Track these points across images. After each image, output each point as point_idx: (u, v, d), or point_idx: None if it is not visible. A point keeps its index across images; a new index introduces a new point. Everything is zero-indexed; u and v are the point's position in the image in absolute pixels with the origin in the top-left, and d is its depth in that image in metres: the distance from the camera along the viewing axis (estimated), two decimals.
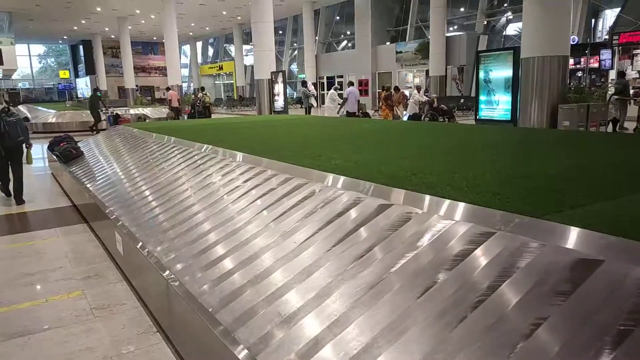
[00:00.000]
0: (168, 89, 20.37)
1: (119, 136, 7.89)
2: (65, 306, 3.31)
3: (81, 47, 44.88)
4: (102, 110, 16.60)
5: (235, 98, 35.98)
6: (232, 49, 41.32)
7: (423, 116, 14.68)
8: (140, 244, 3.34)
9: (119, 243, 3.82)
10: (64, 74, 48.83)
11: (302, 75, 32.44)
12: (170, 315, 2.74)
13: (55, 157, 7.88)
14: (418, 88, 15.50)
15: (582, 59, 17.90)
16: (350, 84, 15.55)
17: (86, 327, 3.00)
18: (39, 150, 12.74)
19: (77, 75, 48.50)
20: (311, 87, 17.89)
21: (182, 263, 2.82)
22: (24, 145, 6.58)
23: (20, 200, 6.48)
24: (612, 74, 16.59)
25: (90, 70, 42.48)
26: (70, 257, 4.34)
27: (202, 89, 20.93)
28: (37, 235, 5.09)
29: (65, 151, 7.53)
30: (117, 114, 17.03)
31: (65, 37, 42.39)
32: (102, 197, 4.90)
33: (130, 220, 3.89)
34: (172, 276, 2.70)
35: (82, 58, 45.39)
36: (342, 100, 14.45)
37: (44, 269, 4.05)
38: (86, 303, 3.35)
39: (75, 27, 35.93)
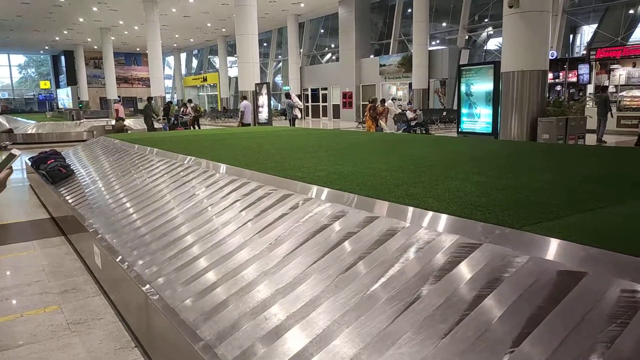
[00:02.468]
0: (115, 102, 21.23)
1: (100, 147, 7.78)
2: (41, 321, 3.23)
3: (63, 58, 44.51)
4: (155, 119, 17.04)
5: (219, 109, 35.91)
6: (216, 60, 41.36)
7: None
8: (119, 257, 3.28)
9: (97, 256, 3.74)
10: (45, 84, 48.26)
11: (287, 88, 32.55)
12: (150, 330, 2.69)
13: (40, 176, 6.72)
14: None
15: (560, 74, 18.32)
16: (244, 98, 16.65)
17: (62, 342, 2.92)
18: (17, 162, 12.51)
19: (58, 86, 47.98)
20: (295, 99, 18.04)
21: (162, 275, 2.78)
22: None
23: None
24: (590, 88, 17.00)
25: (72, 81, 42.11)
26: (47, 270, 4.24)
27: (190, 101, 20.87)
28: (13, 248, 4.97)
29: (54, 170, 6.43)
30: (173, 123, 17.84)
31: (46, 48, 42.01)
32: (81, 209, 4.82)
33: (109, 233, 3.82)
34: (152, 290, 2.65)
35: (64, 69, 45.00)
36: (397, 112, 15.45)
37: (19, 283, 3.94)
38: (63, 318, 3.26)
39: (57, 38, 35.64)
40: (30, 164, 7.49)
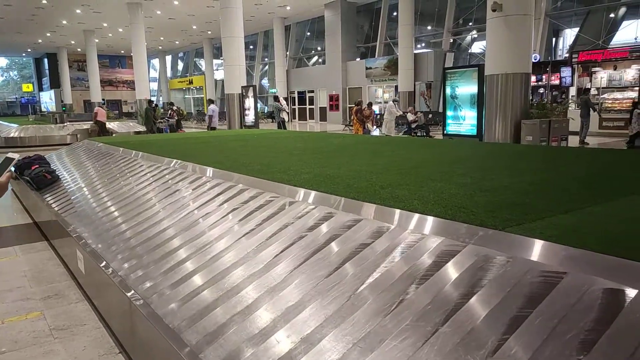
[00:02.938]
0: (99, 105, 21.35)
1: (84, 151, 7.69)
2: (23, 327, 3.17)
3: (46, 60, 43.93)
4: (156, 122, 17.24)
5: (205, 112, 35.72)
6: (202, 63, 41.15)
7: None
8: (102, 262, 3.24)
9: (81, 261, 3.69)
10: (28, 87, 47.60)
11: (273, 90, 32.50)
12: (134, 335, 2.66)
13: (24, 182, 6.44)
14: None
15: (543, 76, 18.57)
16: (211, 102, 17.04)
17: (45, 349, 2.87)
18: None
19: (41, 89, 47.35)
20: (283, 102, 18.09)
21: (148, 281, 2.75)
22: None
23: None
24: (572, 91, 17.26)
25: (55, 84, 41.56)
26: (29, 276, 4.18)
27: (172, 104, 20.76)
28: None
29: (38, 176, 6.12)
30: (173, 125, 18.09)
31: (29, 50, 41.43)
32: (64, 214, 4.75)
33: (93, 238, 3.78)
34: (136, 295, 2.62)
35: (47, 71, 44.41)
36: (398, 114, 15.34)
37: (1, 289, 3.87)
38: (45, 324, 3.21)
39: (40, 40, 35.16)
40: (13, 169, 7.25)
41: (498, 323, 1.53)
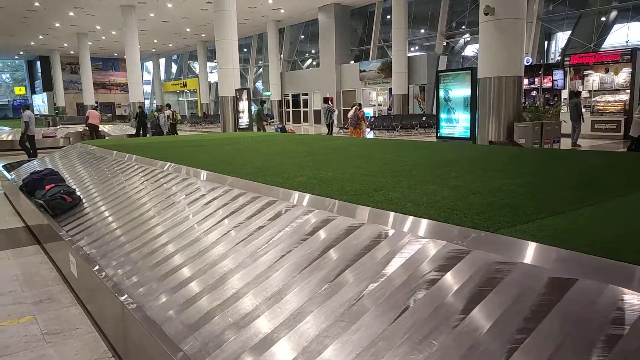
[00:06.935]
0: (92, 107, 20.72)
1: (76, 154, 7.66)
2: (14, 332, 3.15)
3: (38, 63, 43.69)
4: (266, 122, 17.22)
5: (200, 115, 35.66)
6: (196, 65, 41.08)
7: None
8: (95, 266, 3.23)
9: (73, 265, 3.68)
10: (20, 90, 47.34)
11: (267, 93, 32.50)
12: (127, 340, 2.65)
13: (37, 206, 5.03)
14: None
15: (536, 79, 18.68)
16: (26, 108, 15.36)
17: (37, 354, 2.85)
18: None
19: (33, 92, 47.09)
20: (333, 105, 18.12)
21: (140, 284, 2.74)
22: None
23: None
24: (565, 94, 17.37)
25: (48, 87, 41.35)
26: (21, 280, 4.15)
27: (169, 106, 20.52)
28: None
29: (55, 199, 4.82)
30: (283, 126, 17.96)
31: (21, 53, 41.20)
32: (56, 218, 4.72)
33: (86, 241, 3.76)
34: (129, 299, 2.61)
35: (40, 74, 44.17)
36: None
37: None
38: (37, 328, 3.19)
39: (33, 43, 34.98)
40: (17, 184, 6.40)
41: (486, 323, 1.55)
